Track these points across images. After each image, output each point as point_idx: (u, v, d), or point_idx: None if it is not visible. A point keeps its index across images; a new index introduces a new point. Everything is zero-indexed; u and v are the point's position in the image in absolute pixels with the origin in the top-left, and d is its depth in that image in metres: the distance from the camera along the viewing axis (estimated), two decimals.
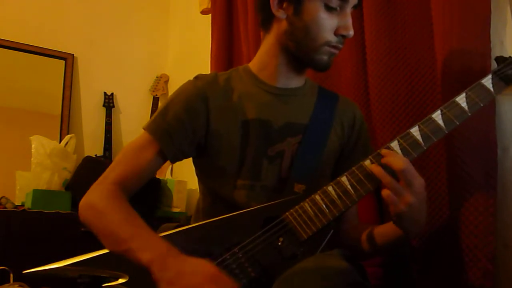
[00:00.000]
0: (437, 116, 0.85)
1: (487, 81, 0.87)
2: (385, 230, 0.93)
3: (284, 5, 0.96)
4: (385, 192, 0.79)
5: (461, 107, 0.85)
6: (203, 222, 0.89)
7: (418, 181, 0.80)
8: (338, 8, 0.93)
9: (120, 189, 0.93)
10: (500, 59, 0.89)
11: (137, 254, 0.80)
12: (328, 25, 0.93)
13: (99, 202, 0.90)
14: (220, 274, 0.75)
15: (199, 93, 0.99)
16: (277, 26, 0.99)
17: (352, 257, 0.79)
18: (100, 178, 0.96)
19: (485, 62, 1.00)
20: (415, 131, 0.85)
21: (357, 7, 0.98)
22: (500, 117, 1.03)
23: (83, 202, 0.93)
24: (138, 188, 0.97)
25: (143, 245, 0.81)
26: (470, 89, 0.86)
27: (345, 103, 1.09)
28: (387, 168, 0.81)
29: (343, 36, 0.95)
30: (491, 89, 0.86)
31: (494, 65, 0.99)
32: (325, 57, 0.96)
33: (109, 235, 0.85)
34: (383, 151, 0.84)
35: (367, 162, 0.85)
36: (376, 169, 0.82)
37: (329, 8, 0.92)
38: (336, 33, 0.94)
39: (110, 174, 0.95)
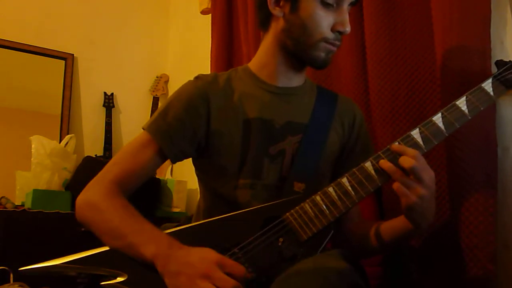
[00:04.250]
0: (437, 119, 0.85)
1: (487, 85, 0.87)
2: (394, 225, 0.93)
3: (281, 3, 0.96)
4: (396, 185, 0.80)
5: (462, 111, 0.85)
6: (203, 221, 0.89)
7: (428, 175, 0.80)
8: (334, 5, 0.93)
9: (119, 187, 0.92)
10: (500, 63, 0.89)
11: (140, 249, 0.80)
12: (325, 21, 0.93)
13: (98, 200, 0.90)
14: (226, 259, 0.76)
15: (200, 93, 0.99)
16: (275, 24, 1.00)
17: (351, 257, 0.79)
18: (98, 177, 0.95)
19: (485, 62, 1.00)
20: (415, 133, 0.85)
21: (355, 4, 0.98)
22: (501, 117, 1.03)
23: (81, 200, 0.92)
24: (136, 187, 0.96)
25: (145, 240, 0.81)
26: (470, 93, 0.86)
27: (345, 103, 1.09)
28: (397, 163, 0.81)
29: (340, 33, 0.95)
30: (491, 93, 0.86)
31: (494, 66, 0.99)
32: (322, 54, 0.96)
33: (110, 231, 0.85)
34: (393, 146, 0.84)
35: (367, 164, 0.85)
36: (385, 164, 0.82)
37: (325, 5, 0.93)
38: (332, 30, 0.94)
39: (109, 172, 0.95)
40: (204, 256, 0.76)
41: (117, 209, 0.88)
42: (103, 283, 0.78)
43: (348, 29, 0.94)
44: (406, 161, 0.80)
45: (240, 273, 0.75)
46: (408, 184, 0.79)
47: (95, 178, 0.95)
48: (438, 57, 1.08)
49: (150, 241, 0.81)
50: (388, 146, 0.85)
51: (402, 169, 0.80)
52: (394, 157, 0.83)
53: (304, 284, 0.68)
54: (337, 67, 1.42)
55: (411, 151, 0.81)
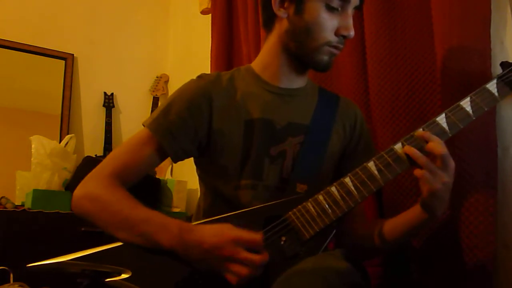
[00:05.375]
0: (441, 119, 0.85)
1: (492, 86, 0.87)
2: (405, 217, 0.92)
3: (286, 5, 0.96)
4: (420, 172, 0.80)
5: (466, 111, 0.85)
6: (205, 220, 0.89)
7: (452, 163, 0.81)
8: (339, 9, 0.93)
9: (118, 180, 0.93)
10: (505, 65, 0.89)
11: (155, 237, 0.82)
12: (329, 25, 0.93)
13: (101, 193, 0.90)
14: (240, 234, 0.78)
15: (202, 93, 0.99)
16: (278, 25, 1.00)
17: (353, 258, 0.79)
18: (96, 170, 0.95)
19: (485, 62, 1.00)
20: (419, 133, 0.85)
21: (359, 8, 0.98)
22: (501, 117, 1.03)
23: (80, 193, 0.92)
24: (133, 183, 0.96)
25: (158, 228, 0.83)
26: (475, 94, 0.86)
27: (346, 104, 1.10)
28: (421, 150, 0.82)
29: (344, 37, 0.95)
30: (496, 94, 0.86)
31: (494, 66, 1.00)
32: (325, 57, 0.96)
33: (119, 222, 0.86)
34: (418, 132, 0.84)
35: (370, 164, 0.85)
36: (411, 150, 0.82)
37: (330, 8, 0.93)
38: (336, 33, 0.94)
39: (106, 167, 0.95)
40: (218, 236, 0.78)
41: (123, 201, 0.89)
42: (107, 279, 0.79)
43: (352, 33, 0.94)
44: (438, 147, 0.80)
45: (260, 243, 0.78)
46: (434, 170, 0.80)
47: (92, 172, 0.95)
48: (438, 57, 1.08)
49: (162, 229, 0.82)
50: (391, 147, 0.85)
51: (428, 156, 0.81)
52: (397, 156, 0.84)
53: (304, 284, 0.68)
54: (337, 67, 1.42)
55: (437, 138, 0.82)
